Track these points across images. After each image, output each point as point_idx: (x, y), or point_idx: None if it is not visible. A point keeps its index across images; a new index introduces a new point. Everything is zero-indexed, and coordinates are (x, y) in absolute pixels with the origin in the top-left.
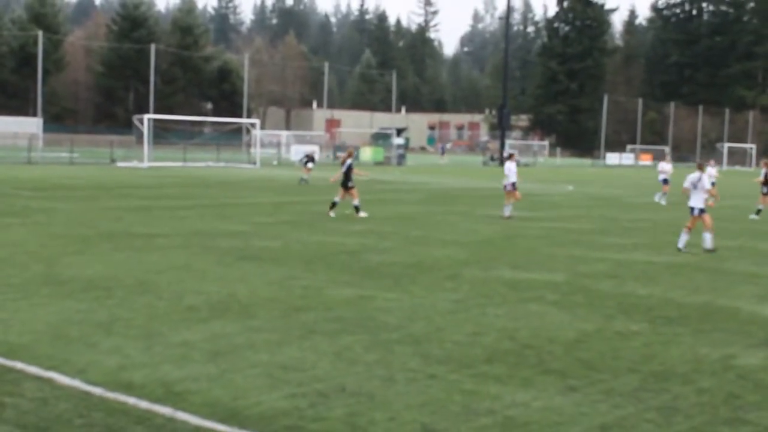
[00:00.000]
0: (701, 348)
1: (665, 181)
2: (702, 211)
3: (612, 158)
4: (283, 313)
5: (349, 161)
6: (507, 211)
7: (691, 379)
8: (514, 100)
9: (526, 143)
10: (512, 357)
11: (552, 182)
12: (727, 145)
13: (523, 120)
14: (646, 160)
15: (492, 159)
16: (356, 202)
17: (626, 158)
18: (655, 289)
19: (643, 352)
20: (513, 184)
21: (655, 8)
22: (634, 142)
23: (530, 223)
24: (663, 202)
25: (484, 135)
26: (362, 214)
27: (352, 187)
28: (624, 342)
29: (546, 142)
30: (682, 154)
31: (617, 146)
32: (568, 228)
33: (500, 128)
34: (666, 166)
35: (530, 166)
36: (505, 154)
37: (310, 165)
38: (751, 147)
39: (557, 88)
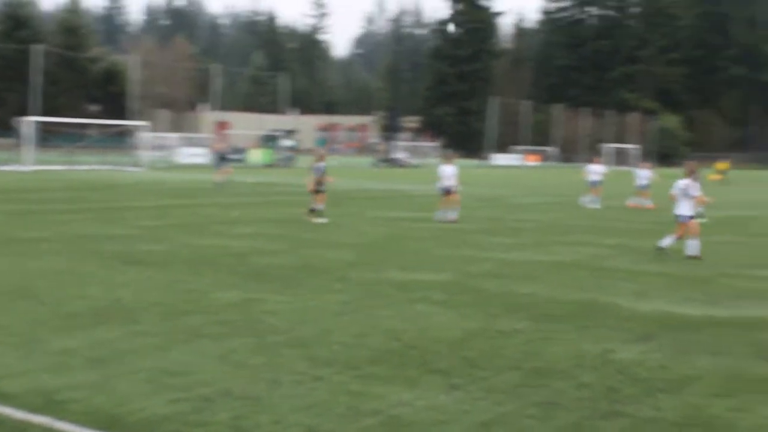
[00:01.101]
0: (582, 344)
1: (594, 183)
2: (690, 218)
3: (500, 159)
4: (167, 317)
5: (322, 164)
6: (450, 216)
7: (572, 375)
8: (405, 101)
9: (416, 145)
10: (398, 357)
11: (435, 183)
12: (611, 146)
13: (413, 122)
14: (533, 161)
15: (382, 161)
16: (320, 206)
17: (514, 159)
18: (538, 288)
19: (525, 349)
20: (449, 188)
21: (543, 12)
22: (522, 143)
23: (419, 224)
24: (595, 206)
25: (374, 137)
26: (320, 220)
27: (320, 192)
28: (507, 340)
29: (436, 144)
30: (567, 155)
31: (506, 147)
32: (455, 228)
33: (390, 130)
34: (597, 168)
35: (420, 168)
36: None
37: (225, 167)
38: (635, 147)
39: (447, 90)
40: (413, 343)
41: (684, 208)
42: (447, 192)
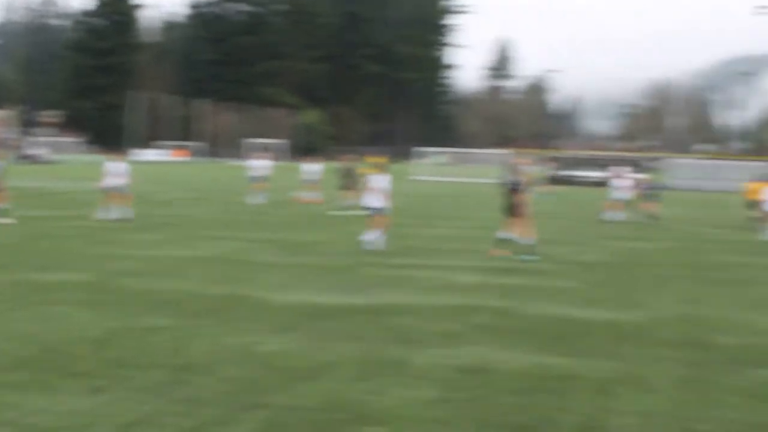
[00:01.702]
0: (225, 338)
1: (256, 179)
2: (380, 210)
3: (146, 155)
4: None
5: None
6: (113, 214)
7: (215, 369)
8: (44, 95)
9: (58, 140)
10: (36, 363)
11: (80, 179)
12: (255, 140)
13: (55, 116)
14: (180, 156)
15: (22, 157)
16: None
17: (160, 155)
18: (182, 284)
19: (169, 346)
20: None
21: (191, 6)
22: (167, 138)
23: (62, 222)
24: (257, 201)
25: (8, 132)
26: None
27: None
28: (151, 338)
29: (80, 140)
30: (215, 150)
31: (153, 143)
32: (101, 227)
33: (26, 125)
34: (259, 163)
35: (61, 164)
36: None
37: None
38: (280, 142)
39: (88, 84)
40: (53, 346)
41: (376, 201)
42: (110, 190)
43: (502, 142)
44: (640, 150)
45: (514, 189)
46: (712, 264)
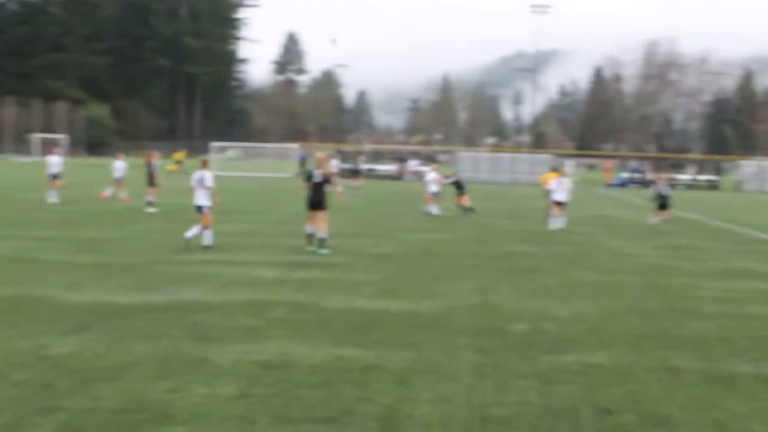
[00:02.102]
0: (15, 341)
1: (54, 176)
2: (209, 208)
3: None
4: None
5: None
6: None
7: (5, 374)
8: None
9: None
10: None
11: None
12: (39, 135)
13: None
14: None
15: None
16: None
17: None
18: None
19: None
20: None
21: None
22: None
23: None
24: (53, 200)
25: None
26: None
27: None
28: None
29: None
30: None
31: None
32: None
33: None
34: (55, 159)
35: None
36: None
37: None
38: (64, 137)
39: None
40: None
41: (202, 199)
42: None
43: (294, 136)
44: (425, 143)
45: (319, 183)
46: (504, 254)
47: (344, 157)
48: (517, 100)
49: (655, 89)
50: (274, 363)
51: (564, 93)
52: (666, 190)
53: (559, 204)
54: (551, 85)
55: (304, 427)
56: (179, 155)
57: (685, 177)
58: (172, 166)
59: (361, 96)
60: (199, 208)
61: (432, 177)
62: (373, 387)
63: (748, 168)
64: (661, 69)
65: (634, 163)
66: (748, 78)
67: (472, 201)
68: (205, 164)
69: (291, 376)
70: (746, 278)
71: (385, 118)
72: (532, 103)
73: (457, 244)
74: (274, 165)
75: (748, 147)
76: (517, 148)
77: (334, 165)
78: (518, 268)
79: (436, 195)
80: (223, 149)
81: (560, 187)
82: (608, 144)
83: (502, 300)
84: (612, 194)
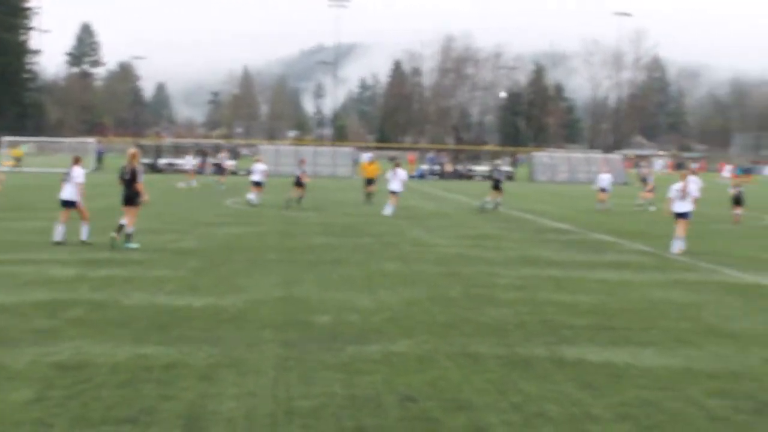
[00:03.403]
0: None
1: None
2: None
3: None
4: None
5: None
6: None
7: None
8: None
9: None
10: None
11: None
12: None
13: None
14: None
15: None
16: None
17: None
18: None
19: None
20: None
21: None
22: None
23: None
24: None
25: None
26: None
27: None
28: None
29: None
30: None
31: None
32: None
33: None
34: None
35: None
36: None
37: None
38: None
39: None
40: None
41: (69, 194)
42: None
43: (91, 130)
44: (227, 137)
45: (130, 178)
46: (308, 246)
47: (145, 151)
48: (319, 94)
49: (452, 83)
50: (71, 364)
51: (364, 86)
52: (499, 175)
53: (393, 193)
54: (352, 78)
55: (104, 429)
56: (17, 152)
57: (482, 168)
58: (8, 162)
59: (161, 89)
60: (68, 203)
61: (259, 168)
62: (176, 384)
63: (541, 159)
64: (457, 63)
65: (432, 155)
66: (539, 73)
67: (274, 195)
68: (78, 161)
69: (90, 376)
70: (541, 266)
71: (185, 111)
72: (333, 96)
73: (261, 237)
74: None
75: (540, 139)
76: (320, 141)
77: (222, 159)
78: (322, 260)
79: (258, 185)
80: (14, 144)
81: (394, 178)
82: (408, 136)
83: (306, 293)
84: (413, 185)
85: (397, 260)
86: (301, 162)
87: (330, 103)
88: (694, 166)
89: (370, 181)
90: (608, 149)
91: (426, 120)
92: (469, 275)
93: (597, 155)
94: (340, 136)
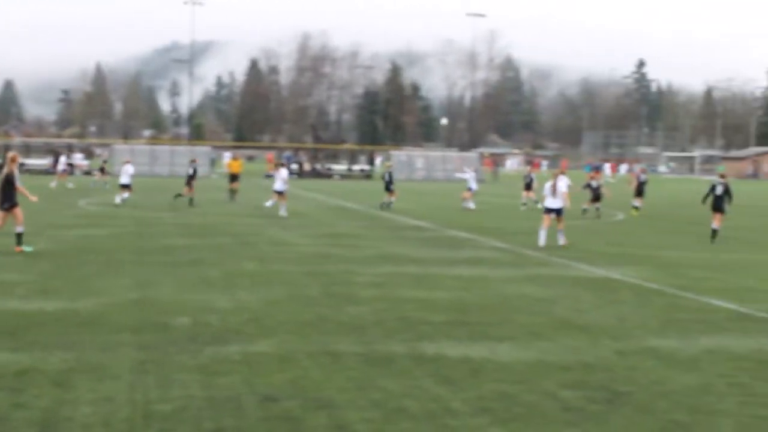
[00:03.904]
0: None
1: None
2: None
3: None
4: None
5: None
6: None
7: None
8: None
9: None
10: None
11: None
12: None
13: None
14: None
15: None
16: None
17: None
18: None
19: None
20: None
21: None
22: None
23: None
24: None
25: None
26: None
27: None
28: None
29: None
30: None
31: None
32: None
33: None
34: None
35: None
36: None
37: None
38: None
39: None
40: None
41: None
42: None
43: None
44: (80, 136)
45: (8, 180)
46: (164, 247)
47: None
48: (175, 92)
49: (309, 81)
50: None
51: (221, 84)
52: (387, 177)
53: (278, 193)
54: (209, 76)
55: None
56: None
57: (340, 167)
58: None
59: (8, 86)
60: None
61: (128, 170)
62: (29, 392)
63: (398, 157)
64: (314, 62)
65: (289, 154)
66: (395, 72)
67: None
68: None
69: None
70: (399, 263)
71: (35, 110)
72: (189, 94)
73: (114, 239)
74: None
75: (398, 137)
76: (176, 140)
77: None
78: (179, 261)
79: (126, 187)
80: None
81: (278, 177)
82: (266, 135)
83: (163, 294)
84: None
85: (255, 260)
86: (192, 161)
87: (186, 102)
88: (542, 164)
89: (234, 178)
90: (464, 147)
91: (284, 119)
92: (328, 274)
93: (453, 154)
94: (198, 135)
